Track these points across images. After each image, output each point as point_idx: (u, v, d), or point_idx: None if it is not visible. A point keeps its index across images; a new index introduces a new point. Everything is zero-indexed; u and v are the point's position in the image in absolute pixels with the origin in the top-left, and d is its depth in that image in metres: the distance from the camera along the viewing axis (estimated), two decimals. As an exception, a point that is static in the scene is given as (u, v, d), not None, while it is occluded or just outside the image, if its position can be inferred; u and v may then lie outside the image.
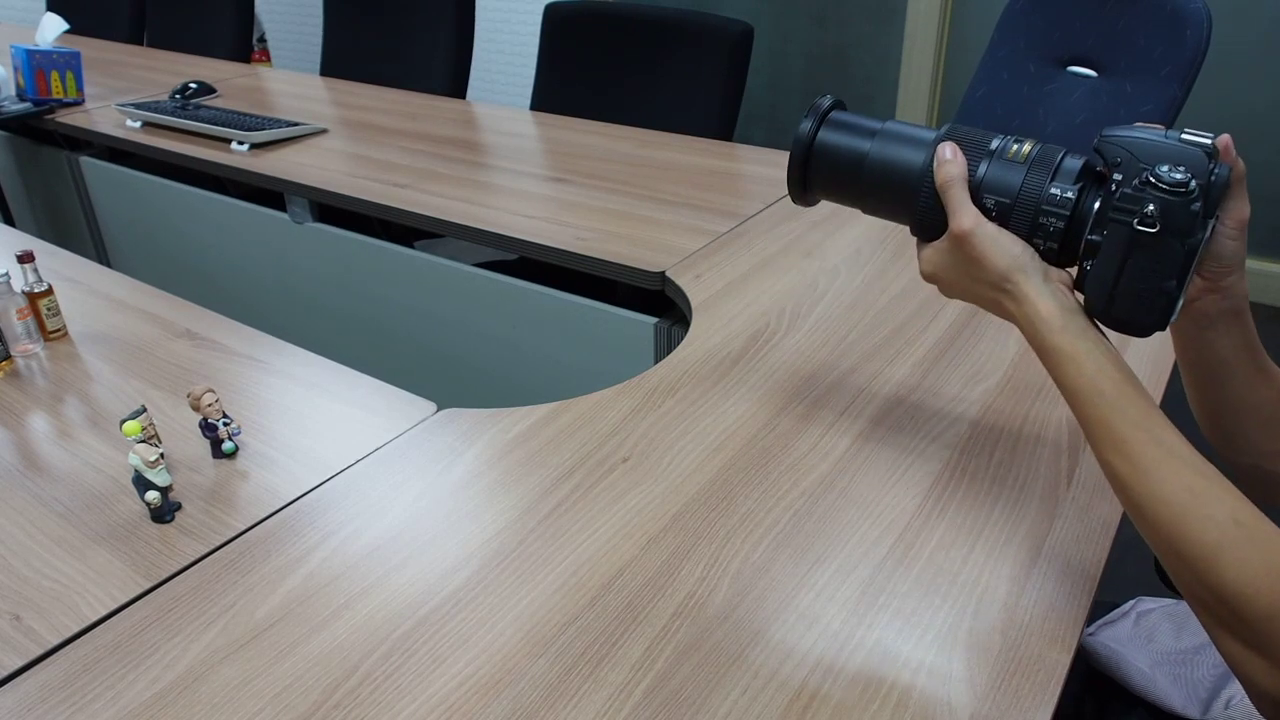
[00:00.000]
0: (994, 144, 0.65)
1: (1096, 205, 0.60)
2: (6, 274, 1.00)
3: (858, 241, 1.27)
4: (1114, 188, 0.58)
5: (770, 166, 1.60)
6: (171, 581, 0.71)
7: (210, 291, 1.87)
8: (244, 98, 2.08)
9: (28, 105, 1.96)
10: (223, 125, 1.76)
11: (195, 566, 0.72)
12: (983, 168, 0.65)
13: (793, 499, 0.77)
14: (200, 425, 0.84)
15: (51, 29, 2.16)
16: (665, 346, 1.23)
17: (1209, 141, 0.57)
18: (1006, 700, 0.59)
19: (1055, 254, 0.63)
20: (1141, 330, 0.60)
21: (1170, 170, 0.56)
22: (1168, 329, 0.61)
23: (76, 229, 2.09)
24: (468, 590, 0.69)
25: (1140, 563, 0.71)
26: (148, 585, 0.70)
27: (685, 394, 0.92)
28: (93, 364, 1.02)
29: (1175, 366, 0.70)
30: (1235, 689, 0.76)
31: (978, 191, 0.64)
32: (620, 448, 0.84)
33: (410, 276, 1.49)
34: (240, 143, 1.72)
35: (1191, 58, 1.43)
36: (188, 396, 0.84)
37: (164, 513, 0.77)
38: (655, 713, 0.59)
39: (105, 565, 0.72)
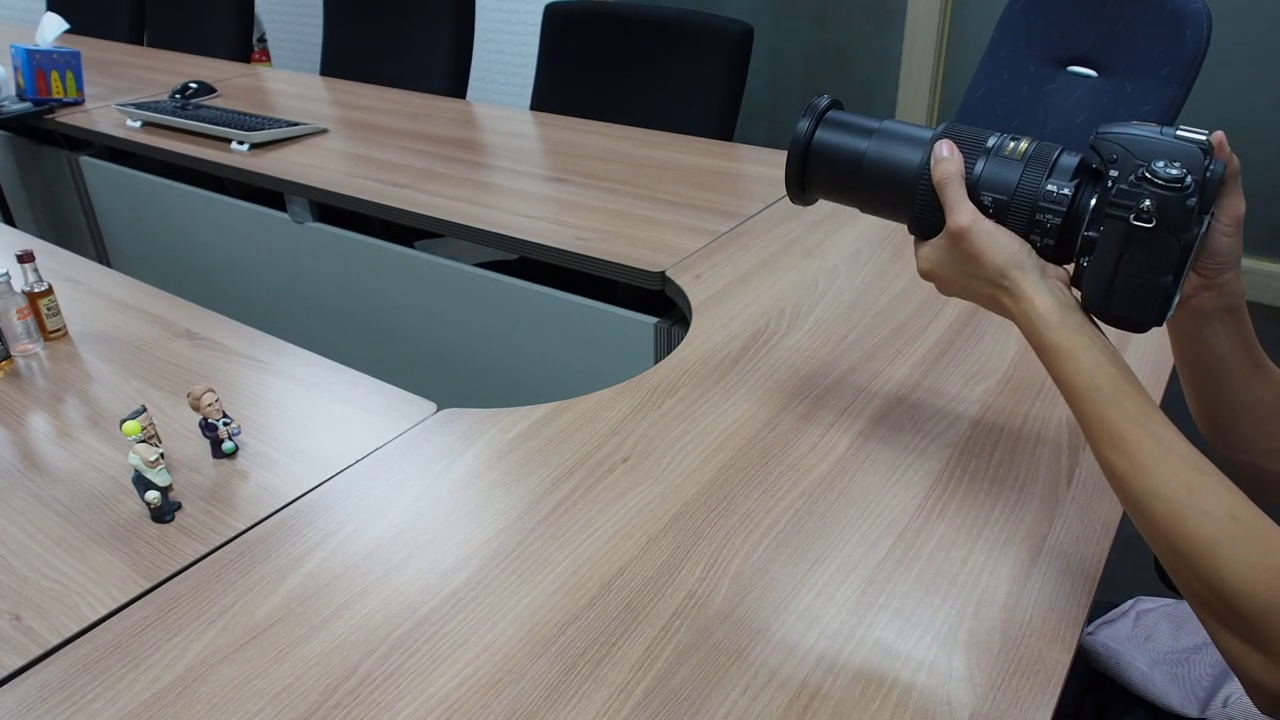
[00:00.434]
0: (991, 142, 0.65)
1: (1093, 201, 0.61)
2: (6, 274, 1.00)
3: (857, 241, 1.27)
4: (1110, 184, 0.58)
5: (770, 166, 1.60)
6: (171, 581, 0.71)
7: (210, 291, 1.87)
8: (244, 98, 2.08)
9: (28, 105, 1.96)
10: (223, 125, 1.76)
11: (195, 566, 0.72)
12: (979, 165, 0.65)
13: (793, 499, 0.77)
14: (200, 425, 0.84)
15: (51, 29, 2.16)
16: (665, 346, 1.23)
17: (1204, 138, 0.57)
18: (1006, 699, 0.59)
19: (1052, 250, 0.63)
20: (1138, 326, 0.60)
21: (1166, 166, 0.56)
22: (1164, 326, 0.61)
23: (76, 229, 2.09)
24: (468, 590, 0.69)
25: (1140, 562, 0.72)
26: (148, 585, 0.70)
27: (685, 394, 0.92)
28: (93, 364, 1.02)
29: (1174, 367, 0.70)
30: (1233, 687, 0.76)
31: (975, 189, 0.65)
32: (620, 448, 0.84)
33: (410, 276, 1.49)
34: (240, 143, 1.72)
35: (1191, 58, 1.43)
36: (188, 396, 0.84)
37: (164, 513, 0.77)
38: (655, 712, 0.59)
39: (105, 565, 0.72)
